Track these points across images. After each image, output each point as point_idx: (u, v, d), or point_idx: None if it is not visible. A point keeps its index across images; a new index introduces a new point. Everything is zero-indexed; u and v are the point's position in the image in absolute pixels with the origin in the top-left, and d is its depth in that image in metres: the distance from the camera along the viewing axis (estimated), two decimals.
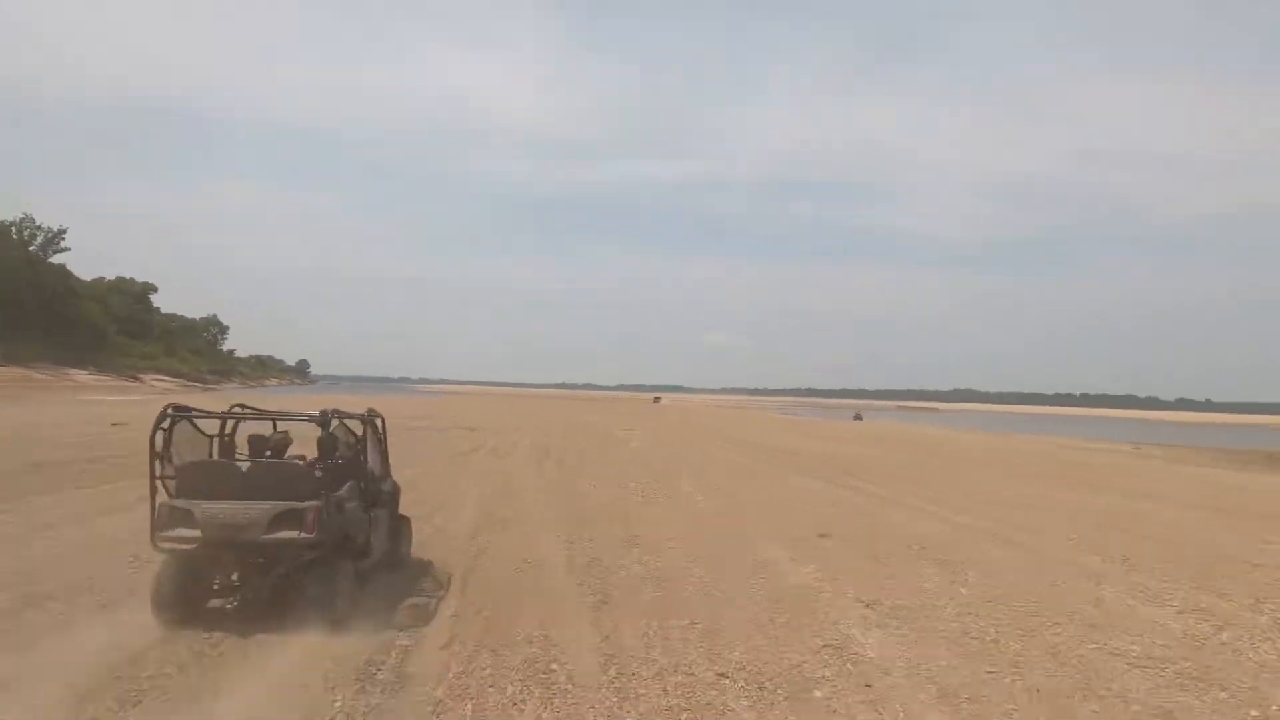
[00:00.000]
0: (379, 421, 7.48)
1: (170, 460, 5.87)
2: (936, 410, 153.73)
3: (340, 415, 6.77)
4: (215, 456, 6.38)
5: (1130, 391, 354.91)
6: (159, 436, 5.80)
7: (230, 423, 6.66)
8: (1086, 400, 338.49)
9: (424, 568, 7.37)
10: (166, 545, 5.44)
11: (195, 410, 6.20)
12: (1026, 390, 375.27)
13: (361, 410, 7.39)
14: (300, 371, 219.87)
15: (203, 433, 6.39)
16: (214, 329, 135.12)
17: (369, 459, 7.07)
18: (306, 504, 5.47)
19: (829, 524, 10.03)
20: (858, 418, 79.41)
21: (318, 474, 5.81)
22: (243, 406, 6.76)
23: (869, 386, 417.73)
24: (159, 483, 5.70)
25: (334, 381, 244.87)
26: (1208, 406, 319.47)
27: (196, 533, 5.35)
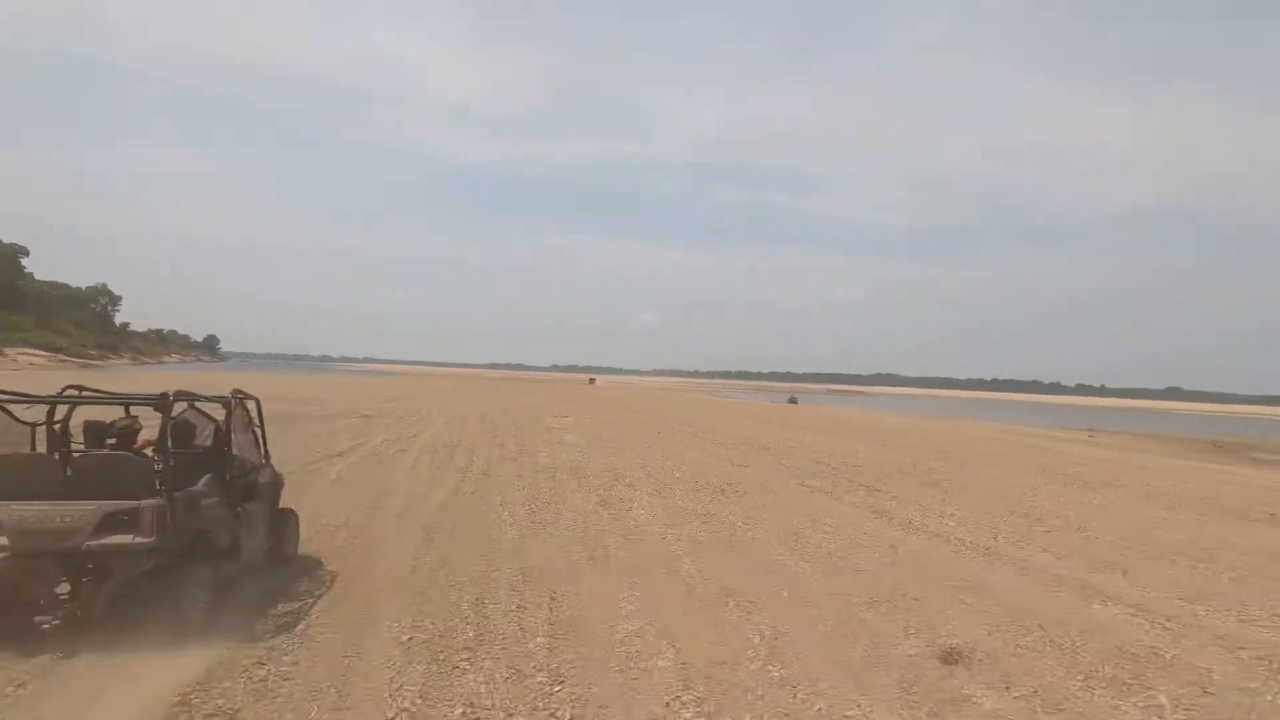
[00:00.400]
0: (252, 404, 6.70)
1: None
2: (865, 393, 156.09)
3: (186, 397, 5.86)
4: (37, 448, 5.55)
5: (1034, 377, 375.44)
6: None
7: (64, 408, 5.82)
8: (996, 385, 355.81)
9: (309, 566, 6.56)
10: None
11: (6, 393, 5.27)
12: (942, 375, 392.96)
13: (242, 392, 6.59)
14: (209, 348, 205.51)
15: (19, 420, 5.44)
16: (103, 299, 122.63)
17: (236, 447, 6.17)
18: (144, 503, 4.78)
19: (963, 624, 5.61)
20: (793, 400, 78.37)
21: (157, 467, 5.05)
22: (79, 389, 5.75)
23: (795, 370, 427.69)
24: None
25: (246, 359, 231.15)
26: (1103, 392, 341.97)
27: (3, 540, 4.58)
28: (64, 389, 5.68)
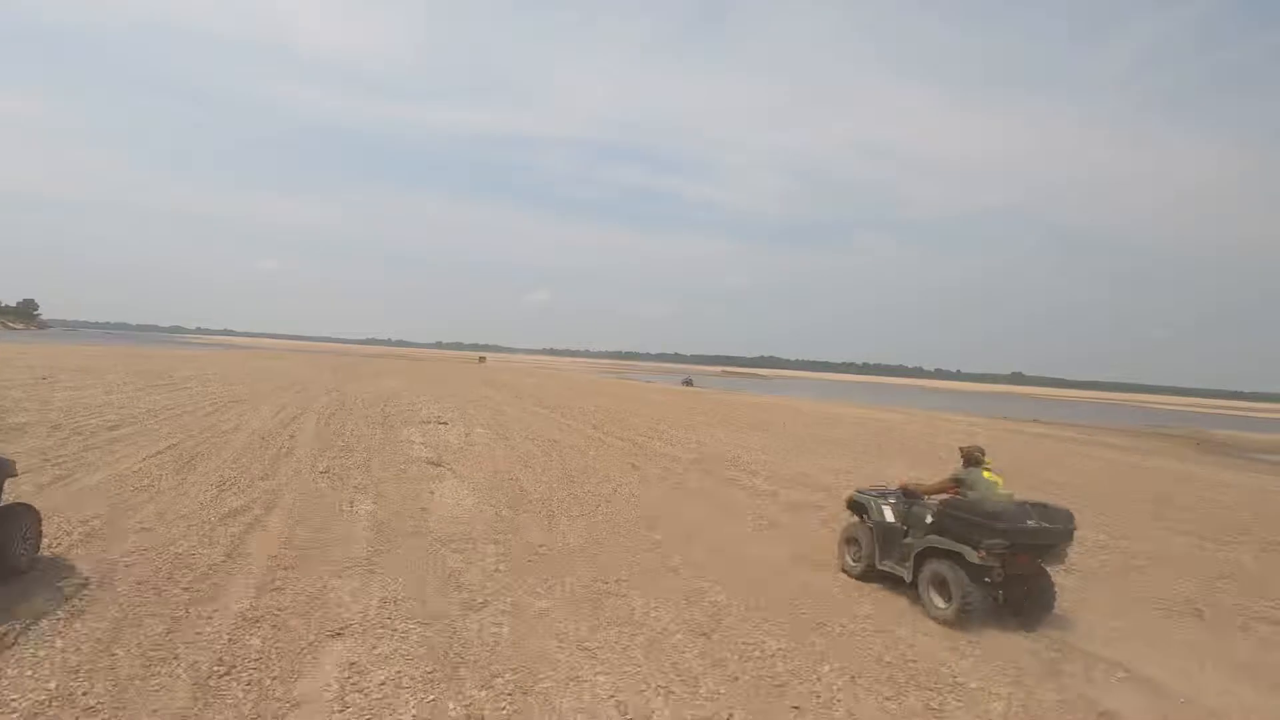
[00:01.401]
0: None
1: None
2: (759, 376, 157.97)
3: None
4: None
5: (899, 361, 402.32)
6: None
7: None
8: (867, 369, 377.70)
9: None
10: None
11: None
12: (819, 359, 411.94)
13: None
14: (24, 314, 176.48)
15: None
16: None
17: None
18: None
19: None
20: (688, 383, 76.47)
21: None
22: None
23: (682, 351, 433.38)
24: None
25: (71, 328, 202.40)
26: (959, 376, 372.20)
27: None
28: None
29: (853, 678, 5.12)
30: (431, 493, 10.20)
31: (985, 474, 6.84)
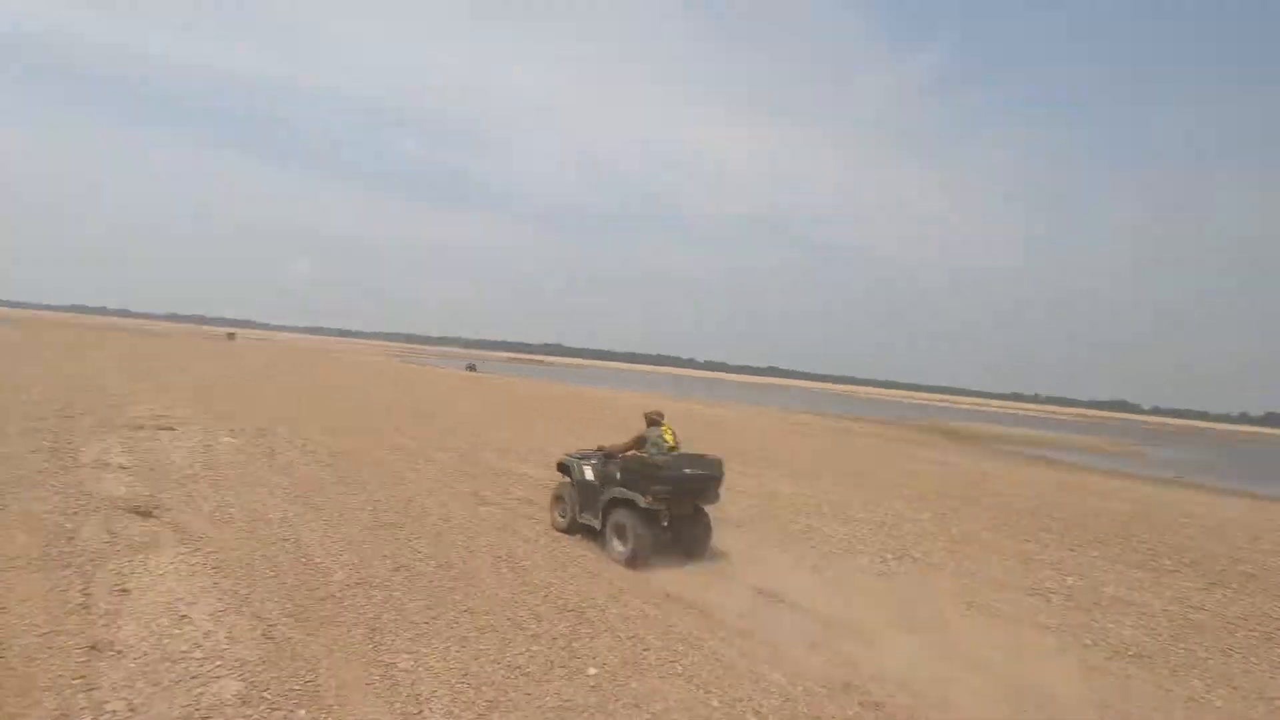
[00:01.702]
0: None
1: None
2: (545, 363, 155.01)
3: None
4: None
5: (674, 353, 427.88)
6: None
7: None
8: (648, 359, 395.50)
9: None
10: None
11: None
12: (601, 347, 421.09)
13: None
14: None
15: None
16: None
17: None
18: None
19: None
20: (471, 368, 71.70)
21: None
22: None
23: (468, 335, 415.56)
24: None
25: None
26: (725, 367, 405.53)
27: None
28: None
29: None
30: (122, 589, 5.27)
31: (665, 433, 7.74)
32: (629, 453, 7.80)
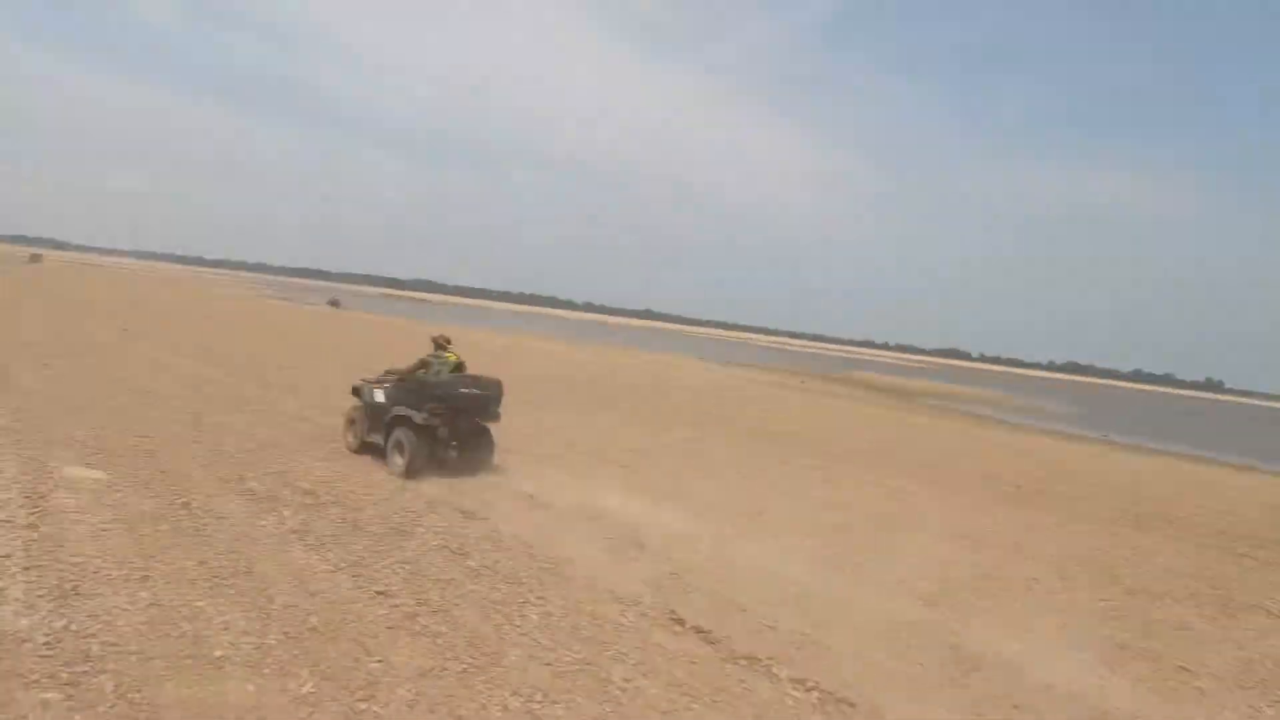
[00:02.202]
0: None
1: None
2: (427, 301, 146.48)
3: None
4: None
5: (555, 293, 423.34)
6: None
7: None
8: (524, 299, 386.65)
9: None
10: None
11: None
12: (473, 285, 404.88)
13: None
14: None
15: None
16: None
17: None
18: None
19: None
20: (334, 304, 68.12)
21: None
22: None
23: (328, 267, 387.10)
24: None
25: None
26: (606, 310, 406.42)
27: None
28: None
29: None
30: None
31: (449, 356, 8.38)
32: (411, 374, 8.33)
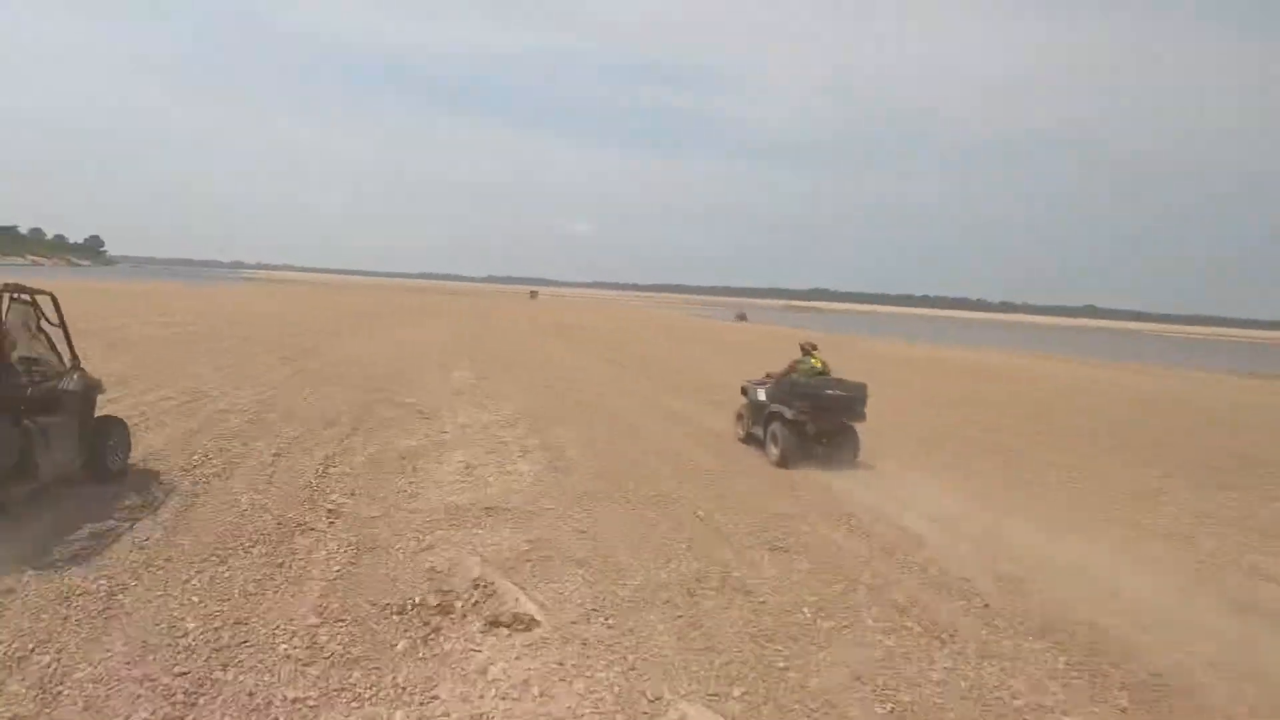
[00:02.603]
0: (46, 301, 5.87)
1: None
2: (820, 310, 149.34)
3: None
4: None
5: (961, 294, 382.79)
6: None
7: None
8: (926, 301, 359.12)
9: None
10: None
11: None
12: (871, 290, 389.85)
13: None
14: (91, 250, 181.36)
15: None
16: None
17: (23, 350, 5.56)
18: None
19: None
20: (741, 318, 71.28)
21: None
22: None
23: (733, 284, 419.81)
24: None
25: (136, 265, 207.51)
26: (1025, 309, 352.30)
27: None
28: None
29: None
30: None
31: (814, 360, 9.59)
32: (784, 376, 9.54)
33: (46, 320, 5.90)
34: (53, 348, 5.96)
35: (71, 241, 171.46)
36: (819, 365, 9.54)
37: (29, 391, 5.36)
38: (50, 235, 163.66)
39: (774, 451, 9.02)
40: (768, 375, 10.10)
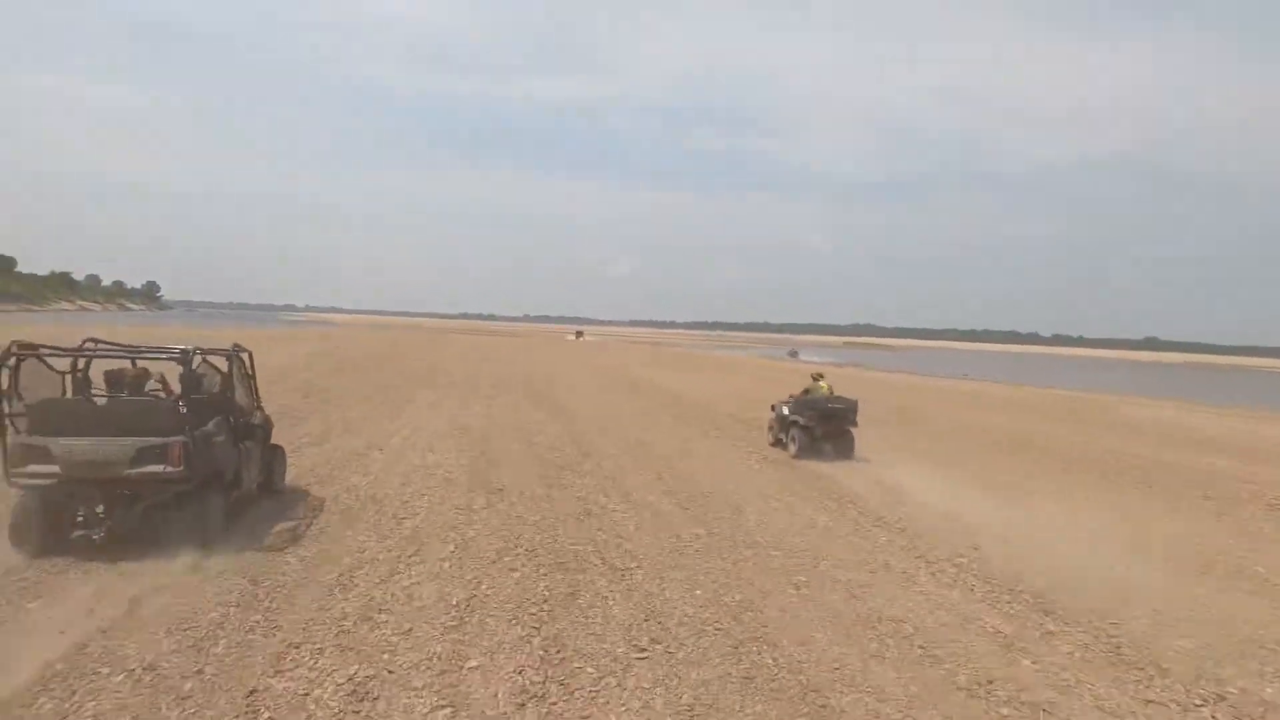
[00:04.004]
0: (245, 356, 7.71)
1: (19, 397, 5.85)
2: (889, 347, 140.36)
3: (204, 352, 6.91)
4: (69, 393, 6.43)
5: (1011, 327, 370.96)
6: (4, 374, 5.76)
7: (86, 359, 6.63)
8: (973, 335, 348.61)
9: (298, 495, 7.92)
10: (23, 481, 5.64)
11: (43, 347, 6.15)
12: (919, 325, 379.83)
13: (227, 345, 7.64)
14: (148, 295, 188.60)
15: (53, 369, 6.35)
16: None
17: (236, 394, 7.31)
18: (171, 439, 5.78)
19: None
20: (793, 354, 67.81)
21: (182, 410, 5.97)
22: (96, 342, 6.65)
23: (772, 320, 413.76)
24: (8, 421, 5.73)
25: (192, 308, 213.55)
26: (1080, 342, 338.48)
27: (55, 468, 5.61)
28: (84, 342, 6.58)
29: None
30: None
31: (822, 385, 13.01)
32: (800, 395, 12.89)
33: (246, 371, 7.69)
34: (250, 391, 7.76)
35: (129, 287, 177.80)
36: (825, 388, 12.92)
37: (243, 424, 7.14)
38: (109, 282, 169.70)
39: (792, 449, 12.32)
40: (790, 396, 13.09)
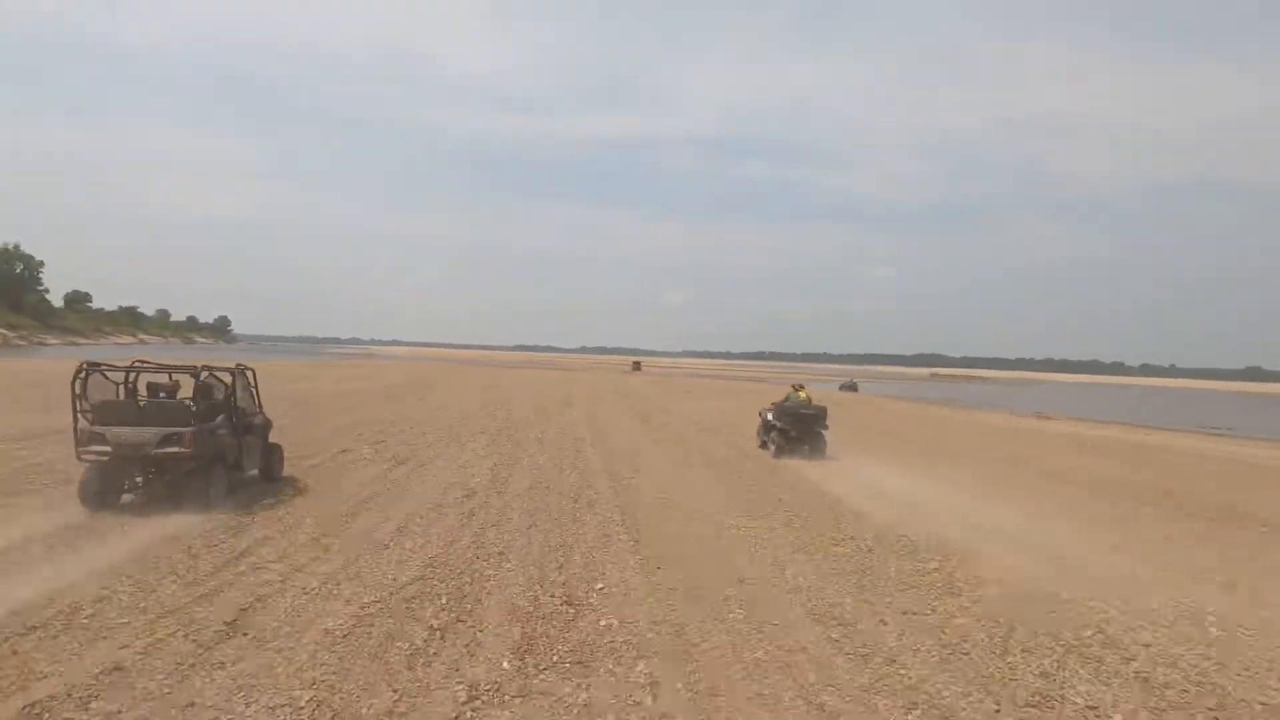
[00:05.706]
0: (249, 373, 9.91)
1: (87, 399, 8.23)
2: (983, 378, 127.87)
3: (211, 369, 9.08)
4: (121, 397, 8.83)
5: (1093, 356, 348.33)
6: (76, 383, 8.17)
7: (135, 373, 9.15)
8: (1050, 365, 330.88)
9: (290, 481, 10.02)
10: (88, 458, 7.91)
11: (104, 365, 8.69)
12: (985, 355, 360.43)
13: (230, 365, 9.60)
14: (219, 330, 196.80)
15: (110, 380, 8.81)
16: (14, 263, 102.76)
17: (238, 399, 9.19)
18: (185, 429, 8.05)
19: None
20: (851, 387, 60.57)
21: (192, 409, 8.48)
22: (142, 362, 9.31)
23: (829, 350, 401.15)
24: (80, 415, 8.06)
25: (255, 341, 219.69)
26: (1173, 372, 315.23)
27: (108, 448, 7.84)
28: (133, 362, 9.26)
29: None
30: None
31: (800, 393, 15.24)
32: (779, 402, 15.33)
33: (250, 383, 10.02)
34: (252, 399, 10.00)
35: (202, 321, 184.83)
36: (803, 396, 15.21)
37: (244, 422, 9.39)
38: (183, 317, 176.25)
39: (771, 449, 14.69)
40: (773, 404, 15.58)
